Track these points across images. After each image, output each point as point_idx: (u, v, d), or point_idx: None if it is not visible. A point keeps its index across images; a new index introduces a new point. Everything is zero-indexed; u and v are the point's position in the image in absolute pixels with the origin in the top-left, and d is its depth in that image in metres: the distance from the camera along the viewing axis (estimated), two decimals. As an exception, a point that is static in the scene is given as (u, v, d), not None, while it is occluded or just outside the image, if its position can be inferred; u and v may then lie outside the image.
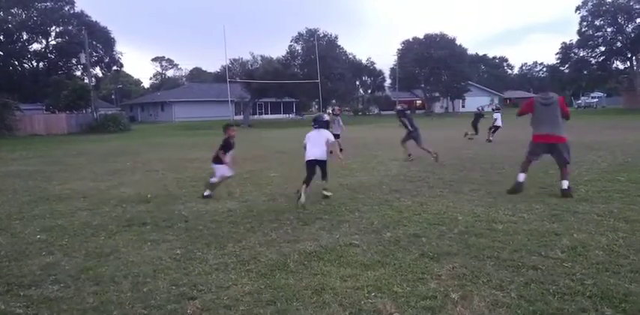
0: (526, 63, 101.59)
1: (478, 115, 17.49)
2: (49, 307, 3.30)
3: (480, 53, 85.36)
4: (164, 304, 3.27)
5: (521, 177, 6.72)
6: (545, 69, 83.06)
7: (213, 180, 7.07)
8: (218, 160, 6.94)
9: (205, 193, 7.03)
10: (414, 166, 9.79)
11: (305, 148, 6.88)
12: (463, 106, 63.88)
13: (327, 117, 7.74)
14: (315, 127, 6.88)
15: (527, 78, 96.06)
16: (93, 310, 3.22)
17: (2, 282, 3.76)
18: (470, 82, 58.44)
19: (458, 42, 54.94)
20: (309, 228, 5.15)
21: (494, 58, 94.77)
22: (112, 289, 3.56)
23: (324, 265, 3.93)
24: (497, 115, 16.36)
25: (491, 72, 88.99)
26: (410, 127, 10.77)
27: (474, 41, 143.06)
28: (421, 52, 53.11)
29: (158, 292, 3.49)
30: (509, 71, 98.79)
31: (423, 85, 57.05)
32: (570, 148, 6.59)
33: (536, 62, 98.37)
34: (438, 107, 62.48)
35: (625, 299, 3.10)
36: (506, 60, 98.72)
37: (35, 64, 43.86)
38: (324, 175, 6.85)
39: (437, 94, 58.60)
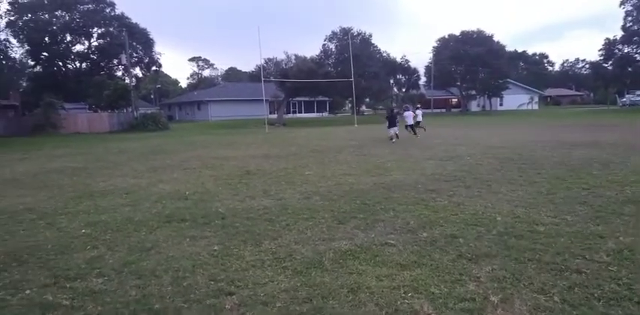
0: (567, 60, 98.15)
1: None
2: (93, 299, 3.44)
3: (519, 50, 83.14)
4: (203, 298, 3.35)
5: None
6: (587, 66, 79.96)
7: None
8: None
9: None
10: (449, 166, 9.63)
11: None
12: (501, 105, 62.28)
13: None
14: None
15: (569, 75, 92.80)
16: (135, 302, 3.33)
17: (49, 274, 3.94)
18: (508, 80, 56.91)
19: (495, 38, 53.63)
20: (344, 227, 5.15)
21: (533, 54, 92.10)
22: (154, 283, 3.67)
23: (359, 264, 3.93)
24: (419, 112, 19.90)
25: (530, 69, 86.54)
26: None
27: (512, 37, 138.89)
28: (457, 49, 52.10)
29: (197, 286, 3.57)
30: (550, 68, 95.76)
31: (459, 83, 55.97)
32: None
33: (578, 59, 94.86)
34: (474, 105, 61.18)
35: (677, 306, 2.96)
36: (547, 56, 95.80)
37: (78, 64, 45.50)
38: None
39: (473, 92, 57.38)
